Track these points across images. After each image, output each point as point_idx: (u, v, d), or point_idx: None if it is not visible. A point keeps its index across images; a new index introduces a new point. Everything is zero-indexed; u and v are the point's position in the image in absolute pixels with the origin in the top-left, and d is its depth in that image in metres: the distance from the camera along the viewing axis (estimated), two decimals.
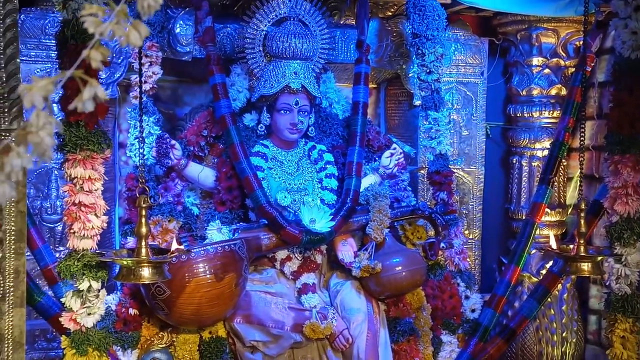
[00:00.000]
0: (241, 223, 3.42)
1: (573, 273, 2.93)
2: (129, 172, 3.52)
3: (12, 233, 2.69)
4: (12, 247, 2.70)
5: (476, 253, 4.47)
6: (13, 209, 2.68)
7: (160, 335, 3.18)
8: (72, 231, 2.81)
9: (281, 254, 3.43)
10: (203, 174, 3.51)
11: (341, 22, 4.15)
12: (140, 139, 2.74)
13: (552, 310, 4.22)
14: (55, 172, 3.66)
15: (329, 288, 3.49)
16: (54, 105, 2.83)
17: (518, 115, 4.45)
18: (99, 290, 2.89)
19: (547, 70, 4.35)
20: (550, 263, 4.02)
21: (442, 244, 3.62)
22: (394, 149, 3.72)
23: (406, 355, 3.38)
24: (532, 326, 4.22)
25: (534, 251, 4.16)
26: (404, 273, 3.35)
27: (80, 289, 2.85)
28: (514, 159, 4.48)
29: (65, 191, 2.81)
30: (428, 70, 3.81)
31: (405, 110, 4.39)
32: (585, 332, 4.33)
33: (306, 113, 3.50)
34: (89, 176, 2.78)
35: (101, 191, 2.85)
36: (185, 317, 3.03)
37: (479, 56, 4.36)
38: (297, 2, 3.50)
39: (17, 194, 2.67)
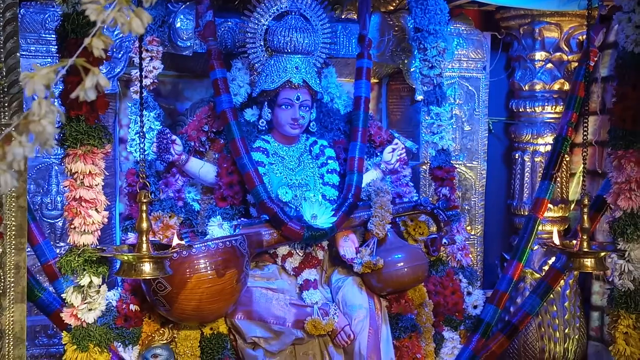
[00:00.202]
0: (242, 219, 3.41)
1: (576, 269, 2.92)
2: (130, 167, 3.51)
3: (13, 228, 2.69)
4: (13, 242, 2.70)
5: (478, 249, 4.46)
6: (13, 204, 2.68)
7: (161, 331, 3.18)
8: (72, 226, 2.80)
9: (282, 250, 3.42)
10: (204, 169, 3.50)
11: (343, 17, 4.13)
12: (141, 134, 2.72)
13: (554, 306, 4.21)
14: (56, 167, 3.65)
15: (330, 284, 3.48)
16: (54, 100, 2.82)
17: (521, 110, 4.43)
18: (99, 286, 2.88)
19: (549, 65, 4.33)
20: (553, 259, 4.01)
21: (444, 240, 3.61)
22: (396, 144, 3.71)
23: (408, 351, 3.37)
24: (535, 322, 4.20)
25: (536, 247, 4.14)
26: (405, 269, 3.34)
27: (81, 285, 2.84)
28: (517, 155, 4.46)
29: (66, 186, 2.80)
30: (430, 65, 3.80)
31: (407, 105, 4.37)
32: (587, 328, 4.32)
33: (307, 108, 3.49)
34: (90, 171, 2.77)
35: (102, 186, 2.83)
36: (186, 313, 3.02)
37: (481, 51, 4.34)
38: None
39: (18, 189, 2.67)
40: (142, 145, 2.71)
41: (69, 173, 2.79)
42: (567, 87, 4.29)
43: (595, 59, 4.01)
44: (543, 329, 4.24)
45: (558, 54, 4.31)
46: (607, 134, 3.13)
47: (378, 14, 4.06)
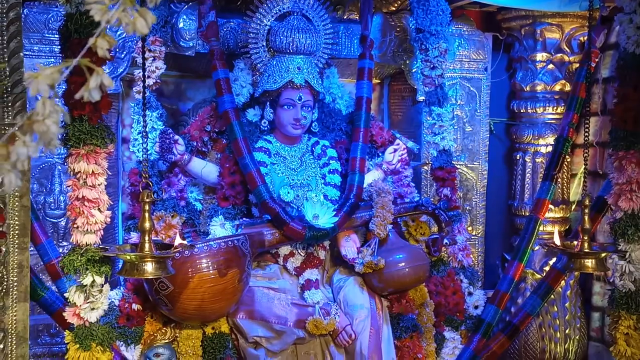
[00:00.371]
0: (244, 219, 3.41)
1: (577, 270, 2.93)
2: (132, 167, 3.51)
3: (16, 228, 2.70)
4: (16, 241, 2.70)
5: (479, 249, 4.46)
6: (17, 203, 2.69)
7: (163, 331, 3.18)
8: (75, 226, 2.81)
9: (284, 250, 3.43)
10: (206, 169, 3.51)
11: (345, 17, 4.14)
12: (144, 134, 2.73)
13: (555, 307, 4.22)
14: (59, 166, 3.66)
15: (332, 284, 3.48)
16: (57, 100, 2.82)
17: (522, 111, 4.44)
18: (102, 285, 2.89)
19: (551, 66, 4.34)
20: (554, 259, 4.02)
21: (445, 240, 3.62)
22: (397, 144, 3.71)
23: (409, 351, 3.38)
24: (535, 323, 4.21)
25: (537, 247, 4.15)
26: (407, 269, 3.35)
27: (84, 284, 2.85)
28: (518, 155, 4.47)
29: (69, 186, 2.81)
30: (432, 66, 3.80)
31: (409, 106, 4.38)
32: (588, 329, 4.33)
33: (309, 108, 3.49)
34: (93, 171, 2.78)
35: (104, 186, 2.84)
36: (189, 312, 3.02)
37: (482, 51, 4.34)
38: None
39: (21, 189, 2.67)
40: (144, 145, 2.71)
41: (72, 173, 2.79)
42: (568, 88, 4.29)
43: (597, 60, 4.02)
44: (544, 330, 4.24)
45: (559, 55, 4.32)
46: (608, 135, 3.14)
47: (380, 15, 4.07)
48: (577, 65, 4.21)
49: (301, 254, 3.43)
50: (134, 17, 1.30)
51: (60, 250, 3.48)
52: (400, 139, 3.84)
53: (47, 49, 3.59)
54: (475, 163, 4.41)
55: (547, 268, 4.14)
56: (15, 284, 2.70)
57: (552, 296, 3.88)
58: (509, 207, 4.57)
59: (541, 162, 4.35)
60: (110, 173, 2.91)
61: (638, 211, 3.00)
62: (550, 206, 4.05)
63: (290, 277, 3.42)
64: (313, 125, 3.61)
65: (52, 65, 3.54)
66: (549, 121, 4.37)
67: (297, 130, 3.50)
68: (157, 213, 3.32)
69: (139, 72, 3.22)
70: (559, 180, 4.25)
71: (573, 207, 4.43)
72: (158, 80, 3.43)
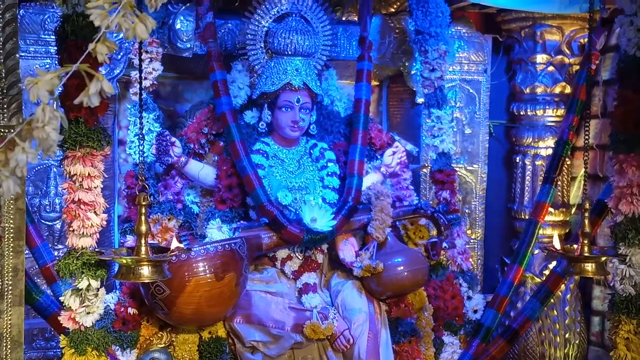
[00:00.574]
0: (242, 222, 3.39)
1: (577, 274, 2.91)
2: (129, 169, 3.50)
3: (11, 231, 2.67)
4: (11, 245, 2.68)
5: (479, 253, 4.44)
6: (12, 206, 2.66)
7: (159, 335, 3.16)
8: (71, 229, 2.79)
9: (282, 253, 3.41)
10: (203, 171, 3.49)
11: (343, 19, 4.13)
12: (140, 136, 2.71)
13: (555, 311, 4.20)
14: (54, 169, 3.63)
15: (329, 288, 3.46)
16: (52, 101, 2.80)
17: (522, 113, 4.42)
18: (98, 289, 2.86)
19: (551, 68, 4.32)
20: (554, 263, 4.00)
21: (444, 244, 3.60)
22: (396, 147, 3.70)
23: (407, 356, 3.36)
24: (535, 327, 4.19)
25: (537, 251, 4.13)
26: (405, 273, 3.33)
27: (79, 288, 2.82)
28: (517, 158, 4.45)
29: (65, 189, 2.79)
30: (431, 68, 3.79)
31: (408, 108, 4.36)
32: (588, 333, 4.31)
33: (308, 110, 3.47)
34: (89, 173, 2.76)
35: (101, 189, 2.82)
36: (185, 316, 3.01)
37: (482, 53, 4.33)
38: None
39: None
40: (141, 148, 2.69)
41: (67, 175, 2.77)
42: (568, 90, 4.28)
43: (597, 62, 4.00)
44: (543, 334, 4.22)
45: (559, 57, 4.30)
46: (608, 138, 3.12)
47: (379, 16, 4.05)
48: (577, 67, 4.20)
49: (299, 257, 3.42)
50: (134, 22, 1.28)
51: (56, 253, 3.46)
52: (399, 142, 3.83)
53: (43, 50, 3.57)
54: (474, 166, 4.39)
55: (546, 272, 4.13)
56: (10, 287, 2.68)
57: (552, 300, 3.86)
58: (508, 210, 4.56)
59: (541, 164, 4.33)
60: (106, 175, 2.89)
61: (639, 215, 2.98)
62: (550, 209, 4.03)
63: (288, 280, 3.40)
64: (311, 127, 3.59)
65: (50, 70, 3.53)
66: (549, 124, 4.35)
67: (295, 133, 3.48)
68: (153, 216, 3.30)
69: (136, 74, 3.20)
70: (559, 183, 4.23)
71: (573, 210, 4.41)
72: (155, 82, 3.42)
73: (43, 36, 3.56)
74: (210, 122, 3.54)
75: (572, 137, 3.66)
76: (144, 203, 2.47)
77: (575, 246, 2.92)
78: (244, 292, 3.16)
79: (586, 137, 2.94)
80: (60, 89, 2.69)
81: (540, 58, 4.32)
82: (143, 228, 2.46)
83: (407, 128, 4.35)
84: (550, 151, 4.18)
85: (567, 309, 4.23)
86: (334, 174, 3.53)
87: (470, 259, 3.91)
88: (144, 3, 1.26)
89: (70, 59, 2.69)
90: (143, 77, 3.17)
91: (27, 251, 2.86)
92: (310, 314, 3.23)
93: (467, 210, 4.38)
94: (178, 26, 3.67)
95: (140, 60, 2.76)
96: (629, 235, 2.99)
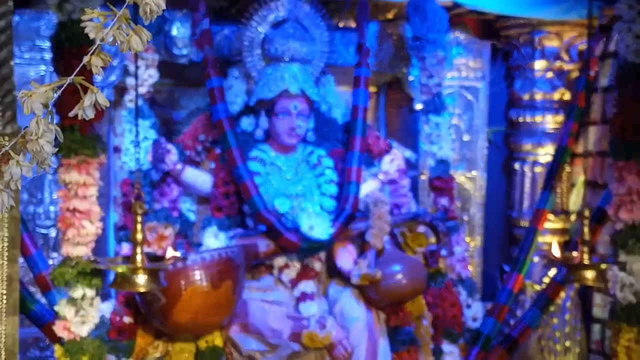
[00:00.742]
0: (238, 229, 3.38)
1: (576, 282, 2.91)
2: (124, 177, 3.47)
3: (5, 240, 2.65)
4: (6, 254, 2.66)
5: (477, 261, 4.43)
6: (6, 215, 2.64)
7: (155, 345, 3.14)
8: (66, 238, 2.78)
9: (279, 261, 3.38)
10: (200, 179, 3.47)
11: (341, 25, 4.11)
12: (136, 143, 2.70)
13: (555, 319, 4.18)
14: (49, 176, 3.61)
15: (327, 296, 3.44)
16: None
17: (520, 120, 4.41)
18: (93, 298, 2.85)
19: (550, 74, 4.31)
20: (554, 271, 3.98)
21: (443, 252, 3.58)
22: (394, 154, 3.69)
23: None
24: (535, 335, 4.17)
25: (536, 259, 4.12)
26: (404, 281, 3.30)
27: (74, 297, 2.81)
28: (517, 165, 4.44)
29: (60, 197, 2.78)
30: (429, 74, 3.78)
31: (406, 115, 4.35)
32: (588, 341, 4.29)
33: (305, 117, 3.46)
34: (84, 181, 2.76)
35: (96, 197, 2.80)
36: (181, 325, 2.99)
37: (480, 60, 4.32)
38: (296, 4, 3.46)
39: None
40: (137, 155, 2.68)
41: (62, 183, 2.76)
42: (567, 96, 4.27)
43: (596, 68, 4.00)
44: (543, 342, 4.21)
45: (558, 63, 4.29)
46: (607, 145, 3.12)
47: (376, 23, 4.04)
48: (576, 73, 4.19)
49: (296, 265, 3.40)
50: (129, 34, 1.26)
51: (50, 262, 3.44)
52: (397, 149, 3.81)
53: (39, 56, 3.56)
54: (473, 173, 4.38)
55: (546, 279, 4.11)
56: (5, 297, 2.66)
57: (552, 308, 3.85)
58: (507, 218, 4.54)
59: (540, 171, 4.31)
60: (101, 183, 2.88)
61: (639, 222, 2.97)
62: (550, 216, 4.02)
63: (286, 289, 3.38)
64: (308, 134, 3.57)
65: (41, 76, 3.52)
66: (548, 130, 4.34)
67: (293, 140, 3.47)
68: (149, 224, 3.27)
69: (132, 81, 3.18)
70: (559, 190, 4.22)
71: (573, 217, 4.39)
72: (151, 89, 3.40)
73: (38, 43, 3.54)
74: (206, 129, 3.52)
75: (571, 143, 3.65)
76: (139, 211, 2.46)
77: (575, 254, 2.91)
78: (241, 300, 3.14)
79: (585, 144, 2.93)
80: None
81: (539, 64, 4.31)
82: (139, 236, 2.45)
83: (405, 135, 4.33)
84: (549, 158, 4.17)
85: (567, 316, 4.21)
86: (332, 181, 3.51)
87: (469, 267, 3.90)
88: (139, 15, 1.25)
89: (65, 66, 2.68)
90: (139, 84, 3.16)
91: (21, 260, 2.84)
92: (308, 322, 3.21)
93: (465, 218, 4.37)
94: (174, 33, 3.66)
95: (136, 67, 2.75)
96: (629, 242, 2.99)
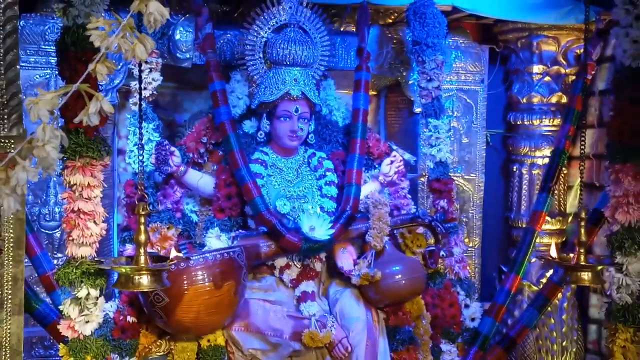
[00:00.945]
0: (240, 230, 3.40)
1: (573, 282, 2.92)
2: (128, 178, 3.51)
3: (11, 240, 2.69)
4: (11, 254, 2.69)
5: (476, 261, 4.45)
6: (12, 216, 2.67)
7: (158, 343, 3.16)
8: (70, 238, 2.80)
9: (280, 262, 3.41)
10: (202, 181, 3.50)
11: (341, 29, 4.15)
12: (140, 145, 2.72)
13: (552, 319, 4.21)
14: (54, 178, 3.64)
15: (328, 296, 3.47)
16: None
17: (518, 123, 4.45)
18: (97, 298, 2.87)
19: (547, 78, 4.35)
20: (551, 272, 4.01)
21: (442, 252, 3.61)
22: (394, 156, 3.71)
23: None
24: (532, 335, 4.20)
25: (534, 260, 4.14)
26: (403, 281, 3.33)
27: (79, 297, 2.83)
28: (514, 167, 4.47)
29: (64, 198, 2.80)
30: (428, 78, 3.81)
31: (406, 118, 4.38)
32: (585, 341, 4.32)
33: (306, 120, 3.49)
34: (88, 183, 2.77)
35: (100, 198, 2.83)
36: (184, 325, 3.01)
37: (479, 63, 4.35)
38: (298, 8, 3.49)
39: None
40: (140, 157, 2.70)
41: (67, 185, 2.78)
42: (564, 100, 4.30)
43: (593, 72, 4.03)
44: (541, 342, 4.23)
45: (555, 67, 4.33)
46: (604, 147, 3.14)
47: (377, 27, 4.08)
48: (574, 77, 4.22)
49: (297, 266, 3.42)
50: (133, 43, 1.30)
51: (55, 262, 3.46)
52: (397, 151, 3.84)
53: (44, 60, 3.59)
54: (471, 175, 4.41)
55: (544, 280, 4.14)
56: (10, 296, 2.69)
57: (549, 308, 3.87)
58: (505, 219, 4.57)
59: (538, 173, 4.35)
60: (105, 185, 2.91)
61: (635, 224, 3.00)
62: (547, 218, 4.05)
63: (287, 289, 3.41)
64: (309, 137, 3.61)
65: (47, 79, 3.56)
66: (546, 133, 4.37)
67: (294, 142, 3.50)
68: (152, 225, 3.31)
69: (136, 84, 3.22)
70: (556, 192, 4.25)
71: (570, 219, 4.43)
72: (154, 92, 3.43)
73: (43, 47, 3.58)
74: (209, 132, 3.55)
75: (568, 146, 3.68)
76: (143, 212, 2.48)
77: (571, 255, 2.93)
78: (243, 300, 3.17)
79: (582, 146, 2.96)
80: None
81: (537, 68, 4.35)
82: (142, 237, 2.46)
83: (405, 137, 4.36)
84: (546, 160, 4.21)
85: (564, 317, 4.24)
86: (332, 183, 3.54)
87: (468, 267, 3.91)
88: (143, 24, 1.28)
89: (70, 70, 2.71)
90: (143, 87, 3.18)
91: (26, 260, 2.87)
92: (309, 322, 3.23)
93: (464, 219, 4.40)
94: (177, 37, 3.70)
95: (140, 70, 2.78)
96: (625, 244, 3.00)
